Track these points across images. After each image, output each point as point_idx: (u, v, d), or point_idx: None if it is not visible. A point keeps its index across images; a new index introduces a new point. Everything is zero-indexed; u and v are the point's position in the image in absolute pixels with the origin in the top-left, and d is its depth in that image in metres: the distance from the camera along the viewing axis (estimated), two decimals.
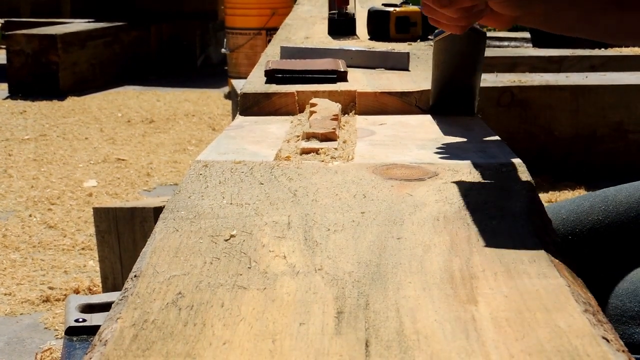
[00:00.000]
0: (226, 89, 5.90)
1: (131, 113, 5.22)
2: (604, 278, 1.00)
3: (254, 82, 1.32)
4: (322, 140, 1.02)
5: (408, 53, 1.52)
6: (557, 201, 3.37)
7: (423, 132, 1.11)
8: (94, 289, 2.52)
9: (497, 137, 1.07)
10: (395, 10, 1.89)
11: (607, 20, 1.02)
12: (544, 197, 3.37)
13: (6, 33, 6.18)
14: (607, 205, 1.08)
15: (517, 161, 0.95)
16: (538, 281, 0.63)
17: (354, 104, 1.24)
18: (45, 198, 3.48)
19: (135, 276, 0.65)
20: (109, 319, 0.59)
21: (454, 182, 0.87)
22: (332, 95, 1.24)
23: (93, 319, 1.32)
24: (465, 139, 1.06)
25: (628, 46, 4.57)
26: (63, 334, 1.33)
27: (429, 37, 1.86)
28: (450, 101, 1.18)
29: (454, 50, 1.14)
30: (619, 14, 1.01)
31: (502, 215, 0.77)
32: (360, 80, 1.35)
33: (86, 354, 0.56)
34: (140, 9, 7.00)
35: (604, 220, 1.07)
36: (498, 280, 0.63)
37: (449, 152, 1.00)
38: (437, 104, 1.19)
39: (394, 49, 1.59)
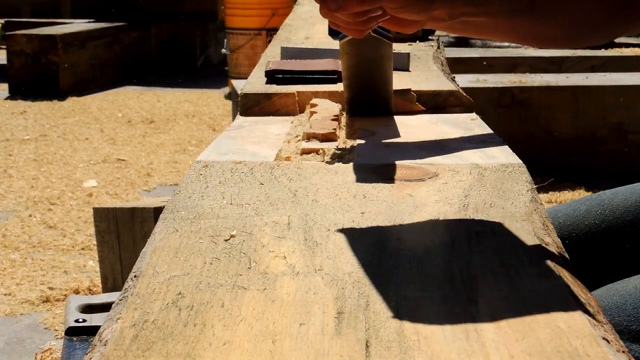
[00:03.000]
0: (226, 90, 5.91)
1: (131, 113, 5.23)
2: (601, 282, 1.00)
3: (254, 83, 1.32)
4: (322, 141, 1.02)
5: (408, 53, 1.52)
6: (557, 201, 3.37)
7: (423, 132, 1.11)
8: (94, 289, 2.52)
9: (497, 137, 1.07)
10: None
11: (517, 24, 1.00)
12: (544, 197, 3.37)
13: (6, 33, 6.18)
14: (604, 209, 1.07)
15: (517, 161, 0.95)
16: (538, 281, 0.63)
17: None
18: (45, 198, 3.48)
19: (135, 276, 0.65)
20: (109, 319, 0.59)
21: (454, 182, 0.87)
22: (332, 96, 1.24)
23: (93, 319, 1.32)
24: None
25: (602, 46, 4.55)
26: (63, 334, 1.34)
27: (430, 37, 1.86)
28: (364, 104, 1.18)
29: (360, 54, 1.13)
30: (530, 18, 0.99)
31: (502, 215, 0.77)
32: None
33: (86, 354, 0.56)
34: (140, 9, 7.00)
35: (601, 224, 1.07)
36: (498, 281, 0.63)
37: (449, 152, 1.00)
38: (352, 108, 1.19)
39: (394, 50, 1.58)
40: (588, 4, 0.98)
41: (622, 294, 0.93)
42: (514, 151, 1.00)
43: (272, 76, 1.32)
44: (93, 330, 1.29)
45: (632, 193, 1.08)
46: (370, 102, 1.19)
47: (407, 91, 1.24)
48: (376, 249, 0.70)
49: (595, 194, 1.12)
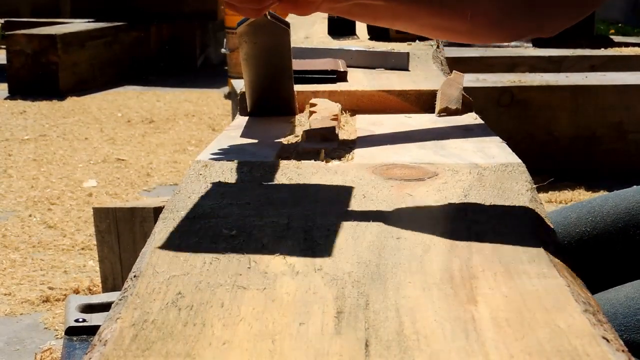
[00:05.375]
0: (226, 89, 5.90)
1: (131, 113, 5.22)
2: (593, 290, 1.00)
3: None
4: (322, 141, 1.02)
5: (408, 53, 1.52)
6: (557, 201, 3.37)
7: (423, 132, 1.11)
8: (94, 289, 2.52)
9: (497, 137, 1.07)
10: None
11: (416, 13, 0.96)
12: (544, 196, 3.37)
13: (6, 33, 6.18)
14: (594, 216, 1.07)
15: (516, 161, 0.95)
16: (538, 281, 0.63)
17: (354, 104, 1.24)
18: (45, 198, 3.48)
19: (135, 276, 0.65)
20: (108, 319, 0.59)
21: (453, 182, 0.87)
22: (332, 95, 1.24)
23: (93, 319, 1.32)
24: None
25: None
26: (63, 334, 1.34)
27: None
28: (267, 102, 1.17)
29: (259, 43, 1.11)
30: (431, 7, 0.95)
31: (502, 215, 0.77)
32: (360, 80, 1.35)
33: (86, 354, 0.56)
34: (140, 9, 7.00)
35: (592, 231, 1.06)
36: (498, 280, 0.63)
37: (449, 152, 1.00)
38: (255, 107, 1.18)
39: (393, 49, 1.59)
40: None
41: (612, 303, 0.92)
42: (513, 151, 1.00)
43: None
44: (93, 330, 1.29)
45: (622, 200, 1.07)
46: (272, 99, 1.17)
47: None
48: (376, 248, 0.70)
49: (585, 201, 1.12)
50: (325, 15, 2.14)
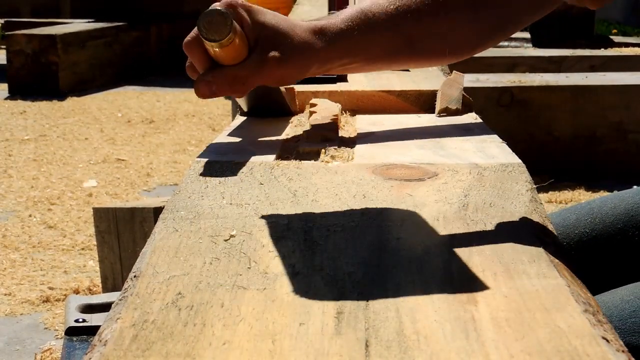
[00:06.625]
0: None
1: (131, 113, 5.22)
2: (592, 291, 1.00)
3: None
4: (322, 141, 1.02)
5: None
6: (557, 201, 3.37)
7: (423, 132, 1.11)
8: (94, 289, 2.52)
9: (497, 137, 1.07)
10: None
11: (398, 62, 1.04)
12: (544, 197, 3.37)
13: (6, 33, 6.18)
14: (593, 217, 1.07)
15: (516, 161, 0.95)
16: (538, 281, 0.63)
17: (354, 104, 1.24)
18: (45, 198, 3.48)
19: (135, 276, 0.65)
20: (108, 319, 0.59)
21: (453, 182, 0.87)
22: (332, 96, 1.24)
23: (93, 319, 1.32)
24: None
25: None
26: (63, 334, 1.34)
27: None
28: (264, 107, 1.19)
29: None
30: (410, 54, 1.01)
31: (502, 215, 0.77)
32: (360, 81, 1.35)
33: (86, 354, 0.56)
34: (140, 9, 6.99)
35: (591, 233, 1.06)
36: (498, 280, 0.63)
37: (449, 152, 1.00)
38: (252, 110, 1.20)
39: None
40: (465, 31, 1.01)
41: (608, 306, 0.92)
42: (513, 151, 1.00)
43: None
44: (93, 330, 1.29)
45: (621, 201, 1.07)
46: (267, 104, 1.19)
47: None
48: (376, 249, 0.70)
49: (584, 202, 1.12)
50: (326, 15, 2.14)
